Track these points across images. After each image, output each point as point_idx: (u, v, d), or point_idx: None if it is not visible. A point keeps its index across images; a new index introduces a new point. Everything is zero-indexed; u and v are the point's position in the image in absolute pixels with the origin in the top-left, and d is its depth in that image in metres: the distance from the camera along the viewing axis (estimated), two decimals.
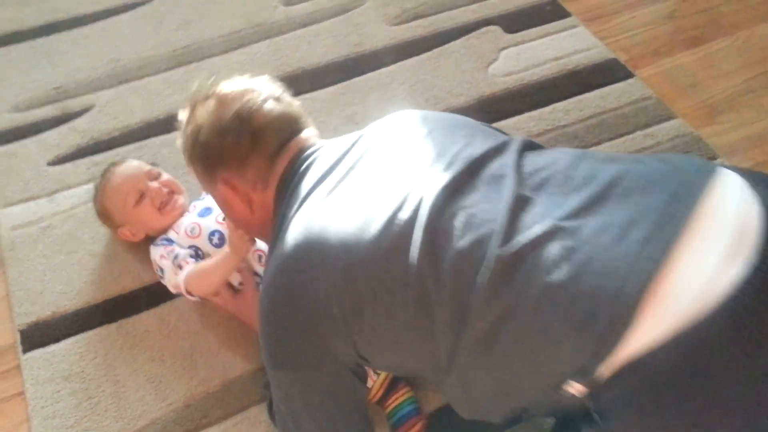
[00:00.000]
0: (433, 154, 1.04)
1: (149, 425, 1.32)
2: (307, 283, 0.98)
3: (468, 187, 0.97)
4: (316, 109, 1.85)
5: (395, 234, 0.94)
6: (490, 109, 1.87)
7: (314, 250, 0.98)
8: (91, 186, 1.66)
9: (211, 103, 1.16)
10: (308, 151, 1.15)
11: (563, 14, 2.14)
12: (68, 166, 1.76)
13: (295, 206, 1.05)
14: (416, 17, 2.14)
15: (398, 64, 2.01)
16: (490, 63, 2.00)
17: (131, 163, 1.54)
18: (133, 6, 2.21)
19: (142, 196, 1.46)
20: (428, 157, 1.04)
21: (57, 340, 1.43)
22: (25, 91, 1.95)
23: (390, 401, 1.28)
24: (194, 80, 1.22)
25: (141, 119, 1.87)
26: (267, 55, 2.04)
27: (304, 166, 1.12)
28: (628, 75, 1.96)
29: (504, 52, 2.03)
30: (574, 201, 0.92)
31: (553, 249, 0.86)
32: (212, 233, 1.42)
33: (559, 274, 0.85)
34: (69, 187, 1.71)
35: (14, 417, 1.34)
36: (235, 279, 1.43)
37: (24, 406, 1.35)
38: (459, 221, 0.93)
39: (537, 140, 1.77)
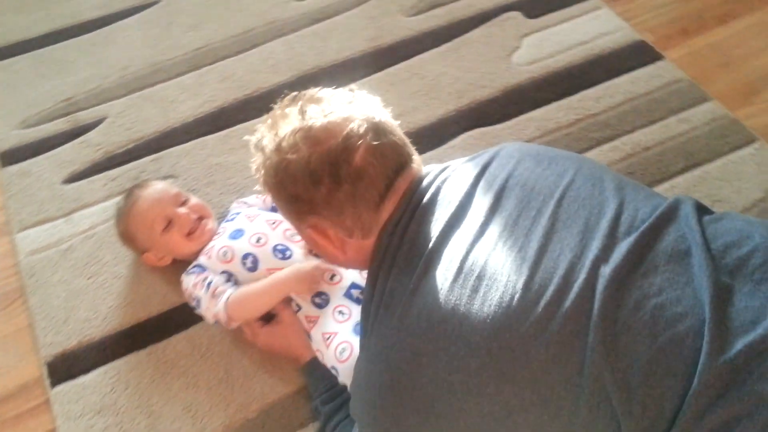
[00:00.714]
0: (587, 212, 0.89)
1: None
2: (443, 372, 0.84)
3: (645, 265, 0.82)
4: None
5: (561, 325, 0.79)
6: (517, 100, 1.80)
7: (454, 333, 0.83)
8: (108, 204, 1.61)
9: (298, 137, 0.94)
10: (418, 190, 0.98)
11: None
12: (84, 183, 1.69)
13: (416, 265, 0.90)
14: (433, 6, 2.06)
15: (418, 57, 1.93)
16: (513, 51, 1.93)
17: (157, 186, 1.46)
18: (140, 8, 2.13)
19: (170, 223, 1.40)
20: (583, 216, 0.89)
21: (86, 371, 1.38)
22: (34, 105, 1.88)
23: None
24: (275, 101, 1.03)
25: (156, 129, 1.80)
26: (282, 54, 1.96)
27: (418, 211, 0.95)
28: (658, 57, 1.88)
29: (527, 39, 1.96)
30: None
31: None
32: (245, 256, 1.36)
33: None
34: (86, 206, 1.64)
35: None
36: None
37: None
38: (646, 314, 0.78)
39: (568, 132, 1.71)
